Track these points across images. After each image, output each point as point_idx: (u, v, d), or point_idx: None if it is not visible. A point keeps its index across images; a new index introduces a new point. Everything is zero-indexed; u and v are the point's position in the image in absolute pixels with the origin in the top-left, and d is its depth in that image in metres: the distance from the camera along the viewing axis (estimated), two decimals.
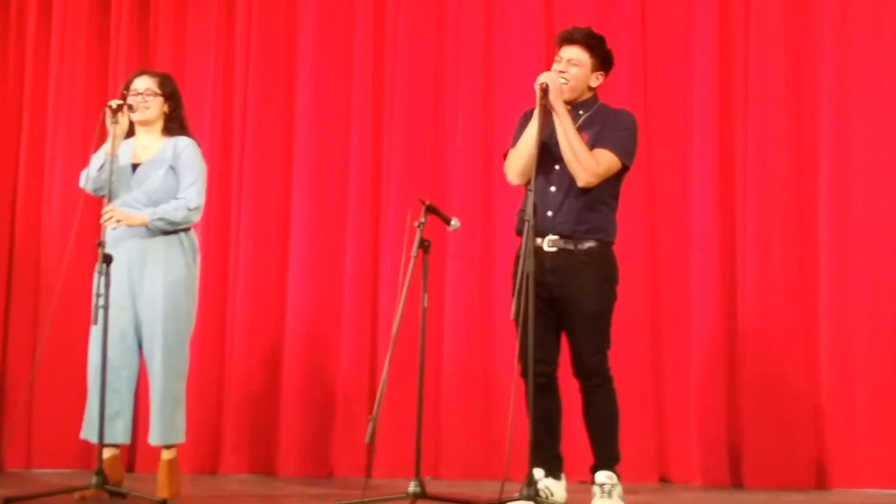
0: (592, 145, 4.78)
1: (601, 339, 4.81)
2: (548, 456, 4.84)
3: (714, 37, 6.32)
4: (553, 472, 4.85)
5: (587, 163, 4.72)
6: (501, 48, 6.57)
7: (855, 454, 5.99)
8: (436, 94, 6.61)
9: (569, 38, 4.88)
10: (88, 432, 5.11)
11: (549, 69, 4.92)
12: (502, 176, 6.34)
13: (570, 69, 4.84)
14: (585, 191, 4.77)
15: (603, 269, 4.82)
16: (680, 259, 6.31)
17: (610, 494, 4.73)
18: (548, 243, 4.79)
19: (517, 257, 4.67)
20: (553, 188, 4.82)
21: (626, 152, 4.83)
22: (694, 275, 6.26)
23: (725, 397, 6.15)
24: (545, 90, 4.69)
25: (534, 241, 4.64)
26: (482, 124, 6.52)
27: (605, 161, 4.77)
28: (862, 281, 6.09)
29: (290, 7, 6.77)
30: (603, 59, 4.91)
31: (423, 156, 6.56)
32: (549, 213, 4.80)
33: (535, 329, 4.56)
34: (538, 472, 4.76)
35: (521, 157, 4.84)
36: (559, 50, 4.91)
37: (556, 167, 4.82)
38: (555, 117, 4.73)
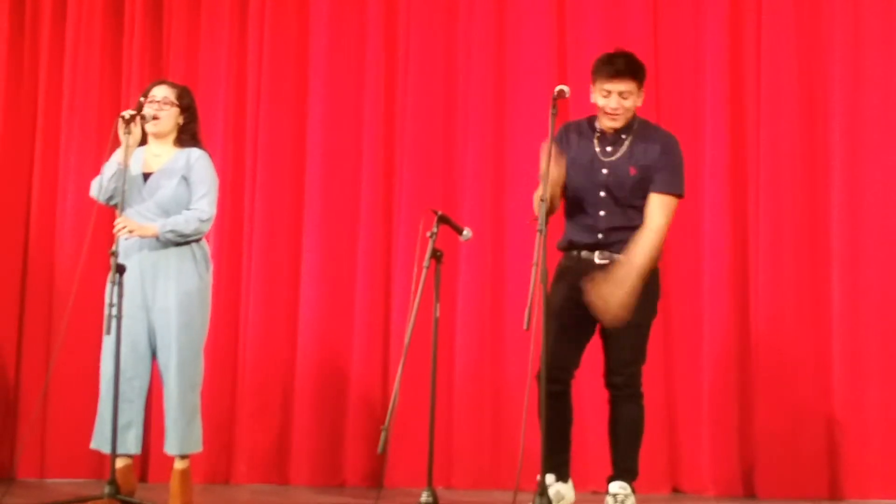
0: (640, 179, 4.82)
1: (638, 351, 4.88)
2: (558, 461, 4.89)
3: (726, 43, 6.30)
4: (563, 476, 4.90)
5: (659, 243, 4.83)
6: (513, 56, 6.56)
7: (868, 464, 5.97)
8: (447, 104, 6.61)
9: (615, 73, 4.82)
10: (99, 442, 5.11)
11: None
12: (515, 186, 6.38)
13: (624, 102, 4.84)
14: (633, 215, 4.83)
15: (650, 283, 4.87)
16: (691, 268, 6.30)
17: None
18: (598, 256, 4.86)
19: (560, 270, 4.74)
20: (602, 213, 4.87)
21: (680, 186, 4.90)
22: (705, 284, 6.25)
23: (738, 407, 6.14)
24: (558, 98, 4.70)
25: (577, 252, 4.88)
26: (494, 134, 6.51)
27: (665, 208, 4.83)
28: (875, 291, 6.07)
29: (302, 15, 6.78)
30: (644, 77, 4.92)
31: (436, 165, 6.56)
32: (600, 236, 4.86)
33: (564, 337, 4.79)
34: (550, 478, 4.82)
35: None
36: (603, 83, 4.85)
37: (602, 193, 4.86)
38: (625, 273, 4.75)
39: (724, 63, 6.30)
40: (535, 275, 4.52)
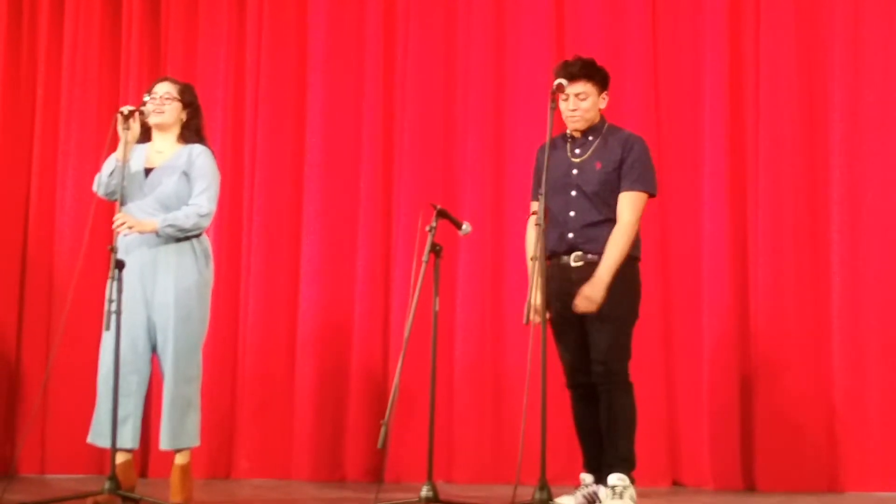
0: (606, 174, 4.87)
1: (617, 344, 4.87)
2: (597, 463, 4.95)
3: (725, 41, 6.31)
4: (604, 479, 4.89)
5: (627, 239, 4.84)
6: (512, 52, 6.57)
7: (867, 457, 5.98)
8: (447, 99, 6.62)
9: (568, 76, 4.90)
10: (95, 436, 5.11)
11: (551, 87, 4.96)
12: (513, 180, 6.39)
13: (581, 104, 4.92)
14: (604, 213, 4.87)
15: (624, 280, 4.88)
16: (692, 263, 6.31)
17: (621, 496, 4.75)
18: (574, 259, 4.90)
19: (549, 277, 4.75)
20: (572, 213, 4.91)
21: (649, 183, 4.94)
22: (705, 279, 6.25)
23: (738, 401, 6.14)
24: (556, 92, 4.75)
25: (556, 258, 4.89)
26: (493, 128, 6.52)
27: (633, 205, 4.87)
28: (874, 285, 6.08)
29: (300, 12, 6.78)
30: (603, 80, 4.99)
31: (435, 160, 6.56)
32: (571, 235, 4.90)
33: (574, 344, 4.90)
34: (588, 477, 4.94)
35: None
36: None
37: (573, 193, 4.92)
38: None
39: (724, 62, 6.30)
40: (533, 269, 4.55)
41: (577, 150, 4.95)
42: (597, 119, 4.99)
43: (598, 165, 4.89)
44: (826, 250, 6.16)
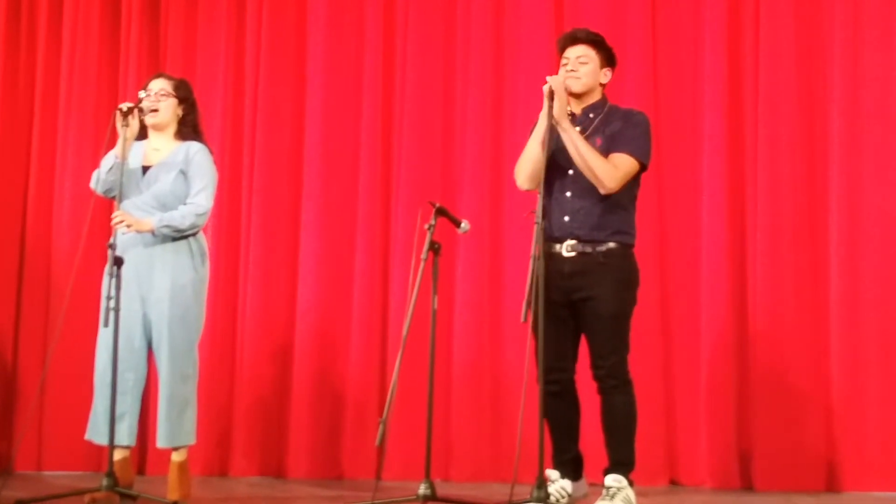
0: (606, 149, 4.81)
1: (618, 342, 4.83)
2: (564, 459, 4.92)
3: (724, 38, 6.31)
4: (569, 474, 4.89)
5: (605, 170, 4.74)
6: (511, 50, 6.57)
7: (866, 457, 5.98)
8: (446, 97, 6.61)
9: (572, 39, 4.95)
10: (93, 433, 5.12)
11: (558, 69, 4.97)
12: (512, 179, 6.38)
13: (581, 67, 4.89)
14: (601, 197, 4.80)
15: (622, 272, 4.85)
16: (690, 261, 6.31)
17: (613, 498, 4.73)
18: (566, 248, 4.83)
19: (532, 261, 4.70)
20: (568, 193, 4.85)
21: (643, 152, 4.86)
22: (704, 277, 6.25)
23: (736, 400, 6.15)
24: (552, 94, 4.72)
25: (548, 245, 4.75)
26: (492, 127, 6.52)
27: (623, 165, 4.79)
28: (873, 284, 6.07)
29: (299, 10, 6.78)
30: (608, 55, 4.97)
31: (434, 158, 6.56)
32: (567, 219, 4.83)
33: (552, 336, 4.69)
34: (553, 474, 4.87)
35: (528, 161, 4.88)
36: (563, 53, 4.96)
37: (570, 172, 4.85)
38: (562, 133, 4.76)
39: (723, 60, 6.30)
40: (532, 267, 4.53)
41: (578, 128, 4.85)
42: (595, 89, 4.94)
43: (599, 142, 4.82)
44: (825, 248, 6.16)
